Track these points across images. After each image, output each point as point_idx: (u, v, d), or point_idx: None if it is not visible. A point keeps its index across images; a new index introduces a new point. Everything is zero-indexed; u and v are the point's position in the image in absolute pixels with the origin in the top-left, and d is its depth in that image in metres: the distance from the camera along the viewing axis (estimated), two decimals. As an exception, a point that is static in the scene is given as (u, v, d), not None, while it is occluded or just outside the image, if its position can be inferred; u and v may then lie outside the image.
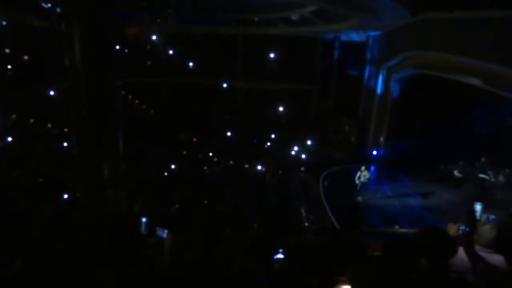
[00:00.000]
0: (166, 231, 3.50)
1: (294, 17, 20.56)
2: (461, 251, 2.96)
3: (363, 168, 14.72)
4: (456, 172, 16.01)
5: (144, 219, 4.68)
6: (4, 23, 19.19)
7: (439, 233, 2.73)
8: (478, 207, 3.38)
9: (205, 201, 12.86)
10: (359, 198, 14.35)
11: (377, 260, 2.55)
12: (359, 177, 14.55)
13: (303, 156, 20.24)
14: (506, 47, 11.26)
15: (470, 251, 3.03)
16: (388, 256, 2.45)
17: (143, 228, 4.79)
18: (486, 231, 3.19)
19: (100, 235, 4.24)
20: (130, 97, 25.32)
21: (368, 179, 14.57)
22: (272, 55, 25.48)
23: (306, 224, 11.77)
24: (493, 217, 4.51)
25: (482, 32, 12.20)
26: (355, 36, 21.70)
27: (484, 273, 2.98)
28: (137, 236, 2.63)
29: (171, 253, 3.22)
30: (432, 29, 14.60)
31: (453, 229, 3.43)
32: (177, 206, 11.91)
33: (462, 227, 4.71)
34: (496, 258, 3.02)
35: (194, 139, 22.32)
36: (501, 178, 15.30)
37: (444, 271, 2.60)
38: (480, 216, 3.41)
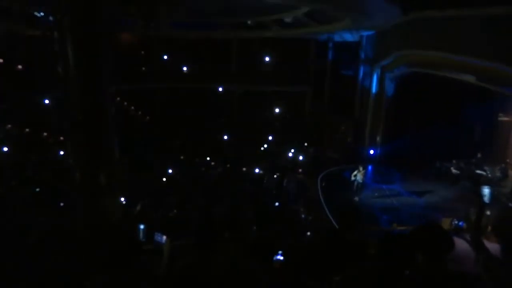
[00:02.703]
0: (164, 236, 3.49)
1: (287, 19, 20.63)
2: (463, 243, 2.97)
3: (360, 168, 14.76)
4: (452, 169, 16.07)
5: (142, 226, 4.67)
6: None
7: (436, 229, 2.74)
8: (486, 190, 3.41)
9: (203, 205, 12.82)
10: (356, 198, 14.38)
11: (374, 258, 2.56)
12: (355, 176, 14.58)
13: (300, 157, 20.26)
14: (497, 43, 11.35)
15: (475, 242, 3.04)
16: (382, 253, 2.46)
17: (141, 235, 4.79)
18: None
19: (97, 242, 4.22)
20: (125, 103, 25.28)
21: (363, 178, 14.59)
22: (266, 58, 25.54)
23: (305, 225, 11.76)
24: (488, 213, 4.56)
25: (473, 29, 12.30)
26: (348, 37, 21.79)
27: (486, 264, 2.99)
28: (134, 242, 2.63)
29: (169, 258, 3.22)
30: (424, 28, 14.69)
31: (446, 224, 3.46)
32: (174, 211, 11.88)
33: (455, 222, 4.77)
34: (493, 246, 3.04)
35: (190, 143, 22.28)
36: (497, 173, 15.39)
37: (441, 266, 2.61)
38: (490, 200, 3.46)
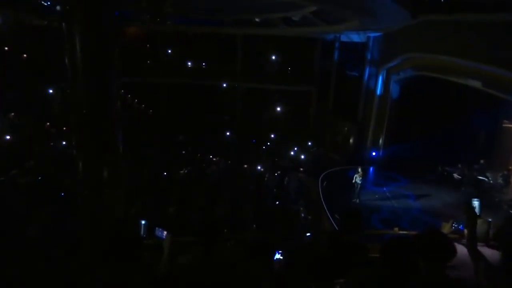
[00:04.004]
0: (165, 232, 3.48)
1: (294, 17, 20.57)
2: (463, 249, 2.95)
3: (359, 169, 14.74)
4: (455, 174, 16.03)
5: (143, 222, 4.67)
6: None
7: (438, 235, 2.72)
8: (476, 203, 3.41)
9: (204, 202, 12.81)
10: (355, 200, 14.36)
11: (376, 262, 2.54)
12: (355, 178, 14.57)
13: (302, 157, 20.24)
14: (504, 49, 11.28)
15: (471, 248, 3.03)
16: (386, 258, 2.44)
17: (142, 230, 4.79)
18: (478, 225, 3.28)
19: (98, 237, 4.22)
20: (129, 96, 25.32)
21: (362, 180, 14.57)
22: (271, 56, 25.50)
23: (305, 226, 11.74)
24: (490, 220, 4.52)
25: (481, 34, 12.23)
26: (355, 37, 21.71)
27: (485, 270, 2.97)
28: (136, 238, 2.62)
29: (170, 254, 3.20)
30: (431, 31, 14.62)
31: (446, 227, 3.44)
32: (175, 207, 11.85)
33: (455, 225, 4.74)
34: (493, 254, 3.03)
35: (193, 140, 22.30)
36: (499, 180, 15.35)
37: (443, 273, 2.59)
38: (480, 212, 3.45)
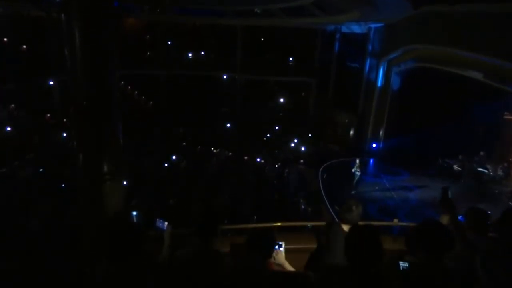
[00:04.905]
0: (166, 223, 3.49)
1: (295, 8, 20.38)
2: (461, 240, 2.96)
3: (357, 161, 14.78)
4: (455, 166, 16.05)
5: (134, 213, 4.69)
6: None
7: (437, 226, 2.73)
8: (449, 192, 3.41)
9: (204, 194, 12.87)
10: (353, 191, 14.41)
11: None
12: (354, 170, 14.64)
13: (302, 148, 20.26)
14: (506, 41, 11.21)
15: (463, 238, 3.03)
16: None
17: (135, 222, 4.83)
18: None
19: (99, 229, 4.24)
20: (129, 88, 25.26)
21: (361, 172, 14.62)
22: (272, 47, 25.33)
23: (305, 217, 11.80)
24: (489, 212, 4.53)
25: (483, 25, 12.14)
26: (356, 28, 21.56)
27: (483, 262, 2.97)
28: (137, 229, 2.63)
29: (171, 245, 3.22)
30: (433, 22, 14.52)
31: (445, 219, 3.44)
32: (175, 198, 11.91)
33: None
34: (496, 247, 3.03)
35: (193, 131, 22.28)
36: (499, 172, 15.38)
37: (441, 264, 2.60)
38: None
